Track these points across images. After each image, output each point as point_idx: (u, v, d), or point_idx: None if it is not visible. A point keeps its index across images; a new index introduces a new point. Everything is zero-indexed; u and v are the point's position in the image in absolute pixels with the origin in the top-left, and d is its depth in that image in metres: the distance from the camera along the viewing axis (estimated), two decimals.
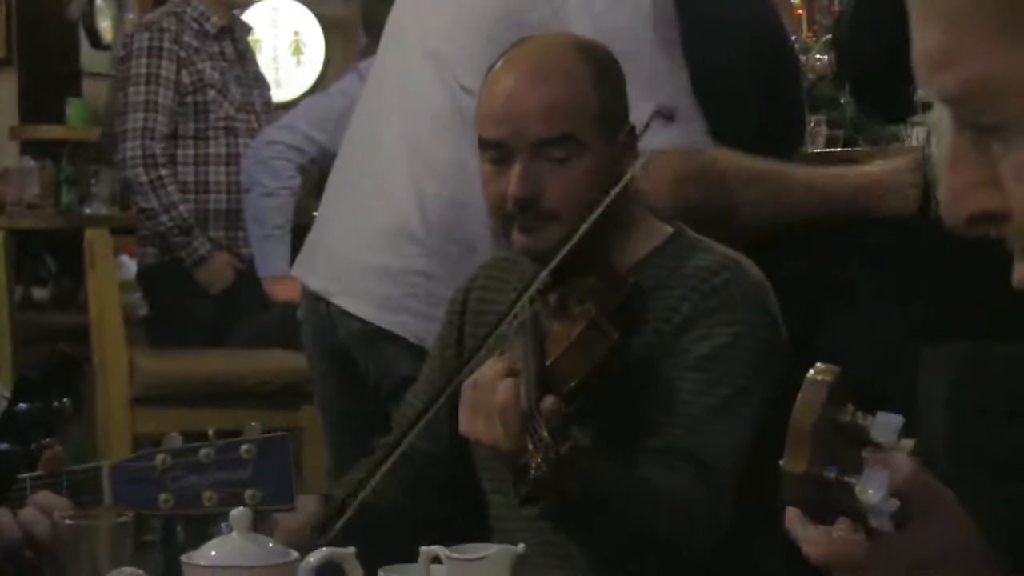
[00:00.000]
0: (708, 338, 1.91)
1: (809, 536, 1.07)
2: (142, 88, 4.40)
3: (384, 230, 2.41)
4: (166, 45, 4.44)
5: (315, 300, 2.51)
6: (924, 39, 0.79)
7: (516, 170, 1.94)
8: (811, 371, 1.04)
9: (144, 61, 4.41)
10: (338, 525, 1.85)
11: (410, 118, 2.45)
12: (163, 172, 4.35)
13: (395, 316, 2.38)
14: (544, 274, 1.90)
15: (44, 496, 1.54)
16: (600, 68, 1.99)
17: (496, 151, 1.96)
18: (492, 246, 2.32)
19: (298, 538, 1.75)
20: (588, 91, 1.96)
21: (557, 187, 1.94)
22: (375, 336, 2.39)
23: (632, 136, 2.00)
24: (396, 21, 2.59)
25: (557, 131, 1.94)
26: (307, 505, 1.92)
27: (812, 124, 3.39)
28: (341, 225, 2.51)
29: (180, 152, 4.44)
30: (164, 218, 4.31)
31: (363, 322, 2.41)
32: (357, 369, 2.45)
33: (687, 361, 1.91)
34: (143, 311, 4.58)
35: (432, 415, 1.90)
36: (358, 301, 2.42)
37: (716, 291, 1.93)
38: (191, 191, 4.42)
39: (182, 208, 4.32)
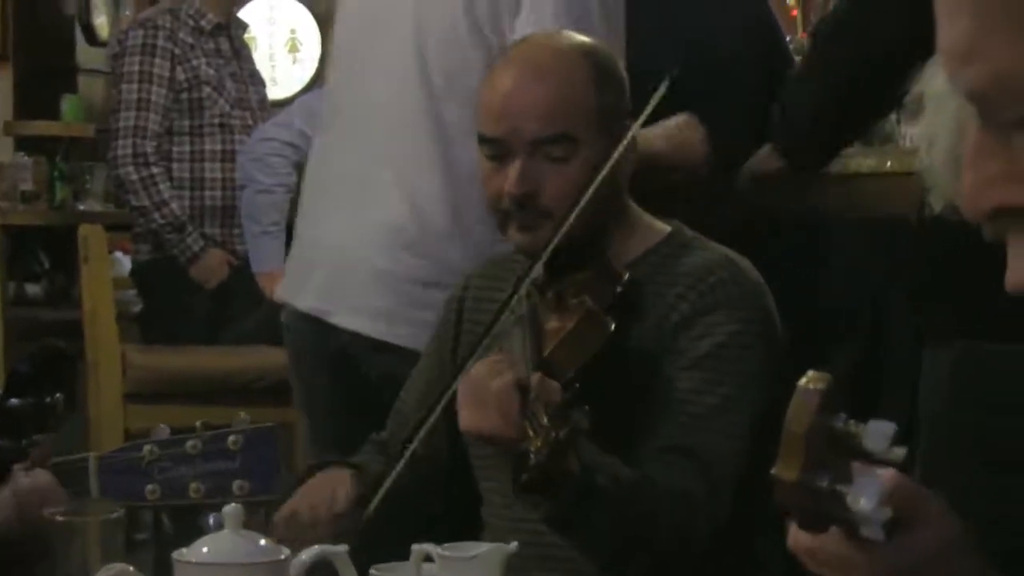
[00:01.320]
0: (706, 337, 1.91)
1: (798, 537, 1.07)
2: (135, 86, 4.39)
3: (377, 241, 2.37)
4: (160, 43, 4.43)
5: (307, 316, 2.47)
6: (950, 32, 0.78)
7: (514, 168, 1.94)
8: (803, 379, 1.04)
9: (137, 59, 4.40)
10: (375, 503, 1.86)
11: (390, 121, 2.42)
12: (155, 170, 4.34)
13: (397, 329, 2.34)
14: (539, 264, 1.91)
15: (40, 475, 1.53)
16: (600, 68, 1.99)
17: (494, 148, 1.97)
18: (490, 244, 2.27)
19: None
20: (587, 91, 1.96)
21: (555, 185, 1.94)
22: (376, 346, 2.36)
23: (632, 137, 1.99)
24: (369, 17, 2.53)
25: (554, 130, 1.94)
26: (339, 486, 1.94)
27: None
28: (329, 242, 2.45)
29: (175, 149, 4.44)
30: (156, 216, 4.30)
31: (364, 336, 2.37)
32: (356, 371, 2.41)
33: (686, 360, 1.91)
34: (137, 307, 4.57)
35: (434, 418, 1.90)
36: (358, 318, 2.38)
37: (713, 289, 1.93)
38: (186, 187, 4.41)
39: (174, 205, 4.32)
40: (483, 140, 1.99)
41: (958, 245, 1.42)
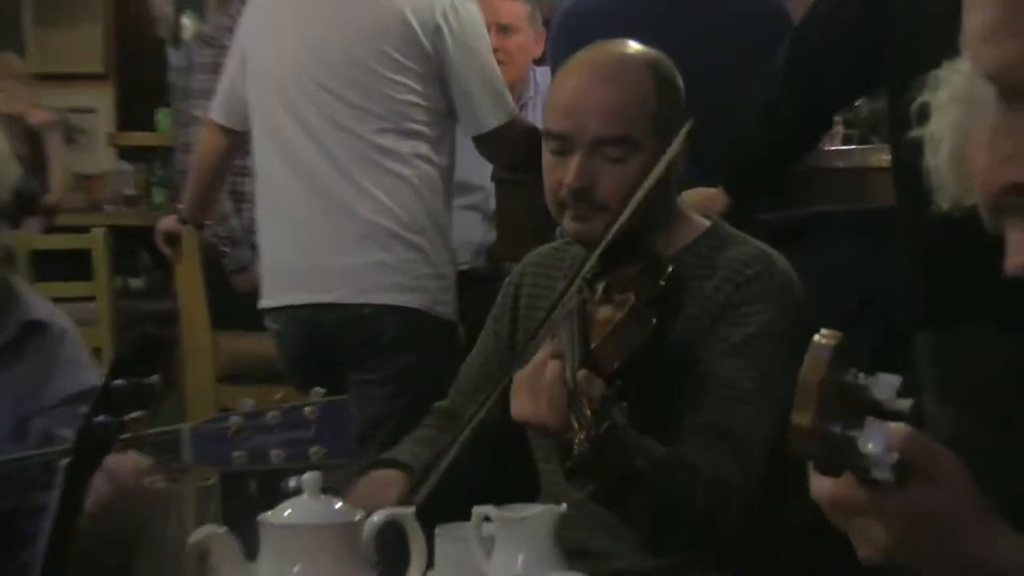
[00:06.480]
0: (742, 326, 1.90)
1: (819, 484, 1.07)
2: (204, 102, 4.18)
3: (369, 235, 2.91)
4: (224, 61, 4.26)
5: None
6: (977, 15, 0.78)
7: (574, 162, 1.93)
8: (817, 336, 1.04)
9: (201, 77, 4.17)
10: (423, 493, 1.86)
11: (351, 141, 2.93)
12: None
13: (412, 295, 2.93)
14: (591, 261, 1.89)
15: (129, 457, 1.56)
16: (661, 78, 1.98)
17: (558, 142, 1.96)
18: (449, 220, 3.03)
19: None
20: (649, 98, 1.95)
21: (610, 181, 1.93)
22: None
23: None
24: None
25: (616, 132, 1.93)
26: (390, 484, 1.96)
27: None
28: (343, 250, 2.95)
29: (238, 163, 4.19)
30: (219, 229, 4.05)
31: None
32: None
33: (723, 347, 1.89)
34: None
35: (497, 392, 1.91)
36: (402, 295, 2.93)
37: (749, 282, 1.92)
38: (248, 200, 4.16)
39: (233, 221, 4.08)
40: (548, 135, 1.98)
41: (955, 238, 1.41)
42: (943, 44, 1.05)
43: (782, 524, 1.94)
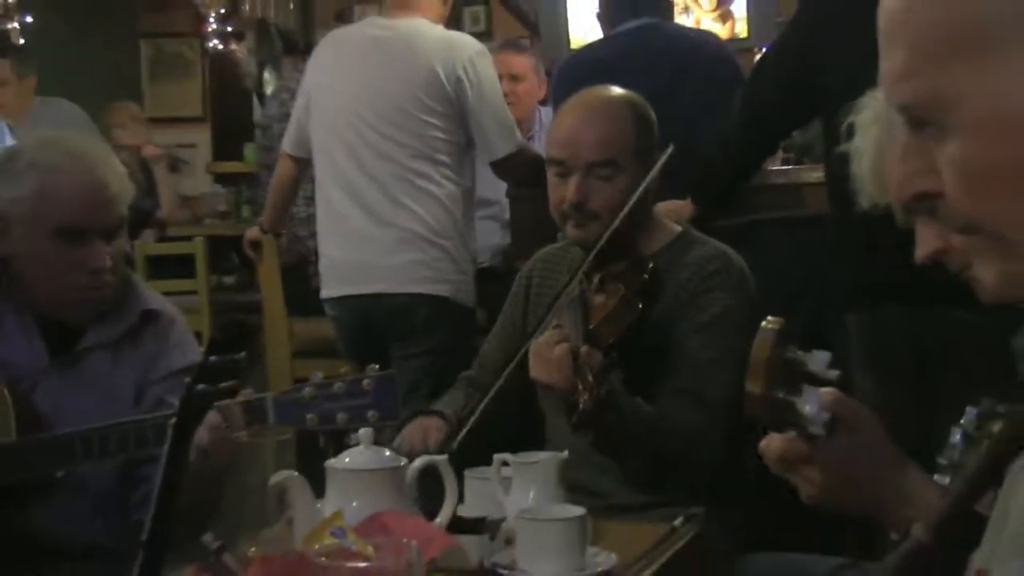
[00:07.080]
0: (706, 309, 1.90)
1: (769, 440, 1.06)
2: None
3: (406, 240, 2.91)
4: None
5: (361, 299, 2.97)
6: (889, 59, 0.77)
7: (572, 182, 1.94)
8: (764, 321, 1.03)
9: (284, 125, 3.81)
10: (458, 439, 1.86)
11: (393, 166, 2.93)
12: (300, 214, 3.98)
13: (440, 286, 2.91)
14: (590, 258, 1.91)
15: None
16: (639, 115, 1.99)
17: (559, 167, 1.97)
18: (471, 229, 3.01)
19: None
20: (630, 131, 1.96)
21: (601, 196, 1.94)
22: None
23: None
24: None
25: (604, 157, 1.94)
26: (433, 428, 1.95)
27: None
28: (375, 250, 2.95)
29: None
30: (310, 243, 3.94)
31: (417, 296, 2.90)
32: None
33: (692, 326, 1.90)
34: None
35: (513, 364, 1.91)
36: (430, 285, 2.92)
37: (712, 275, 1.93)
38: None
39: (310, 243, 3.86)
40: (551, 161, 1.99)
41: (878, 232, 1.40)
42: (865, 81, 1.04)
43: (745, 468, 1.93)
